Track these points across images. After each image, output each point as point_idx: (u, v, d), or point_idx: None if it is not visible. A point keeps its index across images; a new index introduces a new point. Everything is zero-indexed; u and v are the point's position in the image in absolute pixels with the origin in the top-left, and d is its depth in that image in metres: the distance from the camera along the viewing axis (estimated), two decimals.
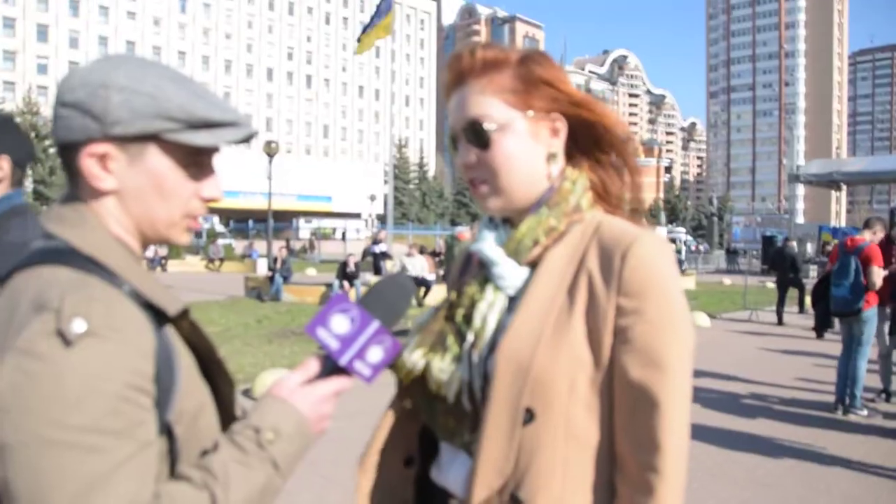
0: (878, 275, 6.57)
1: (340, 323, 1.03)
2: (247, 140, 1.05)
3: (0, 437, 0.81)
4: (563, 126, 1.19)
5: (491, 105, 1.15)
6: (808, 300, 10.67)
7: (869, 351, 6.78)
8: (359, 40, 21.40)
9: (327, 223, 56.29)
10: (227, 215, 55.26)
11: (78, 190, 0.99)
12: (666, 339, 1.07)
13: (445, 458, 1.22)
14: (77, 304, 0.85)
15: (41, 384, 0.82)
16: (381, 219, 54.48)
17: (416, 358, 1.18)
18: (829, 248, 18.69)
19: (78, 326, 0.84)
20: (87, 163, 0.96)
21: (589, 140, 1.21)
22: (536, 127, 1.17)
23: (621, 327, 1.08)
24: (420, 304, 15.24)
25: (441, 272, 17.34)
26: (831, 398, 6.88)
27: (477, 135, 1.16)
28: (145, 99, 0.96)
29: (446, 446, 1.22)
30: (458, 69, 1.19)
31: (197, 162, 1.02)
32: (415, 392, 1.22)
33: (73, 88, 0.96)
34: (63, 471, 0.81)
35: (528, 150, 1.17)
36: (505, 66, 1.17)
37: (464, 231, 16.90)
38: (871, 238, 6.85)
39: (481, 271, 1.21)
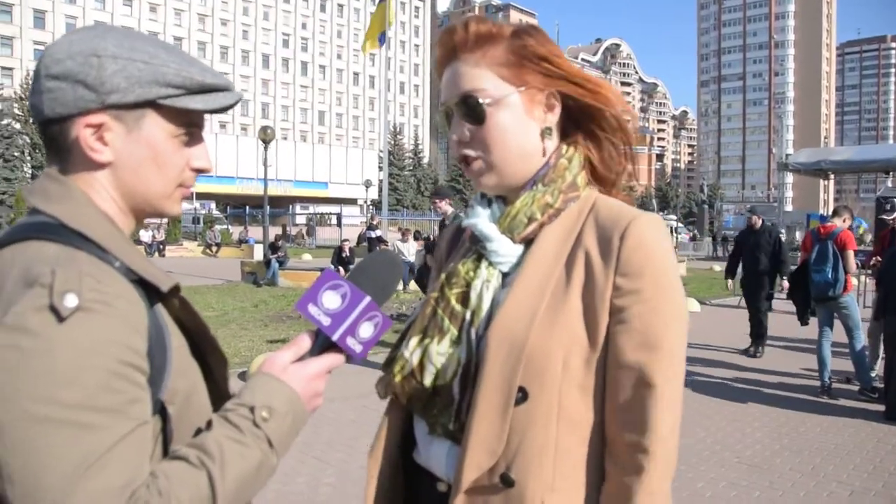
0: (854, 259, 6.91)
1: (331, 299, 1.01)
2: (235, 104, 1.05)
3: None
4: (557, 101, 1.17)
5: (485, 79, 1.13)
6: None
7: (862, 334, 6.98)
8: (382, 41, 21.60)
9: (323, 209, 56.86)
10: (224, 201, 55.68)
11: (67, 164, 0.96)
12: (663, 320, 1.06)
13: (424, 441, 1.20)
14: (68, 278, 0.83)
15: (33, 360, 0.79)
16: (377, 205, 55.01)
17: (411, 348, 1.15)
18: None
19: (70, 301, 0.81)
20: (84, 134, 0.94)
21: (585, 117, 1.18)
22: (531, 102, 1.15)
23: (618, 307, 1.07)
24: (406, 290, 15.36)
25: None
26: (818, 382, 7.02)
27: (471, 109, 1.13)
28: (140, 66, 0.94)
29: (424, 431, 1.20)
30: (451, 43, 1.16)
31: (188, 131, 1.01)
32: (398, 385, 1.18)
33: (59, 60, 0.93)
34: (57, 449, 0.78)
35: (522, 125, 1.14)
36: (499, 40, 1.14)
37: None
38: (841, 225, 7.12)
39: (473, 247, 1.19)
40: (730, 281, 10.26)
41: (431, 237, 9.26)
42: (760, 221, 9.49)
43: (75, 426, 0.79)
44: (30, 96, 0.98)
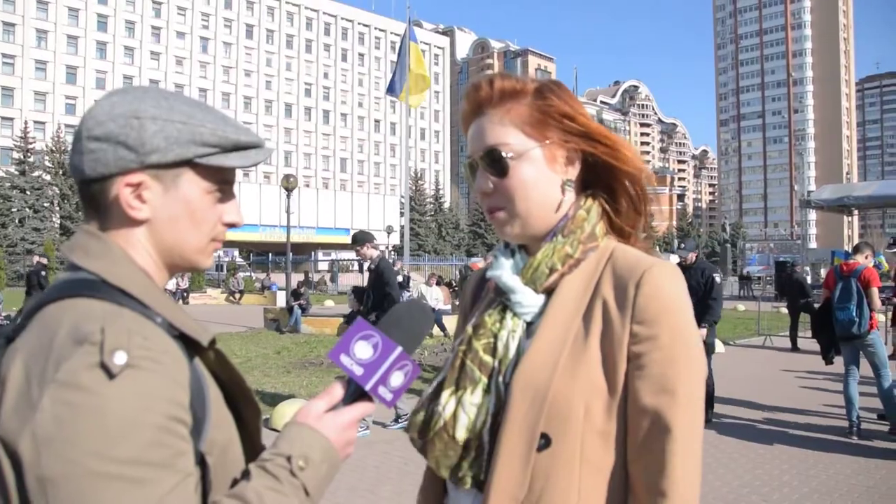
0: (878, 296, 6.84)
1: (363, 349, 1.04)
2: (265, 159, 1.09)
3: (44, 469, 0.80)
4: (578, 155, 1.21)
5: (509, 134, 1.18)
6: None
7: (890, 372, 6.81)
8: (394, 89, 21.72)
9: (345, 255, 57.22)
10: (247, 248, 56.24)
11: (106, 222, 1.00)
12: (679, 366, 1.09)
13: (453, 490, 1.24)
14: (117, 336, 0.86)
15: (85, 416, 0.81)
16: (398, 250, 55.27)
17: (443, 401, 1.18)
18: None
19: (119, 359, 0.84)
20: (124, 193, 0.97)
21: (604, 170, 1.23)
22: (552, 156, 1.20)
23: (635, 354, 1.10)
24: (431, 336, 15.47)
25: (457, 302, 17.65)
26: (846, 422, 6.94)
27: (495, 163, 1.18)
28: (179, 126, 0.98)
29: (451, 484, 1.23)
30: (477, 99, 1.22)
31: (221, 187, 1.04)
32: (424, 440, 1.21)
33: (101, 122, 0.97)
34: (109, 503, 0.80)
35: (544, 177, 1.19)
36: (522, 97, 1.20)
37: (478, 262, 16.95)
38: (864, 262, 7.07)
39: (498, 299, 1.23)
40: None
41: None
42: (693, 257, 7.95)
43: (127, 481, 0.82)
44: (70, 156, 1.01)
